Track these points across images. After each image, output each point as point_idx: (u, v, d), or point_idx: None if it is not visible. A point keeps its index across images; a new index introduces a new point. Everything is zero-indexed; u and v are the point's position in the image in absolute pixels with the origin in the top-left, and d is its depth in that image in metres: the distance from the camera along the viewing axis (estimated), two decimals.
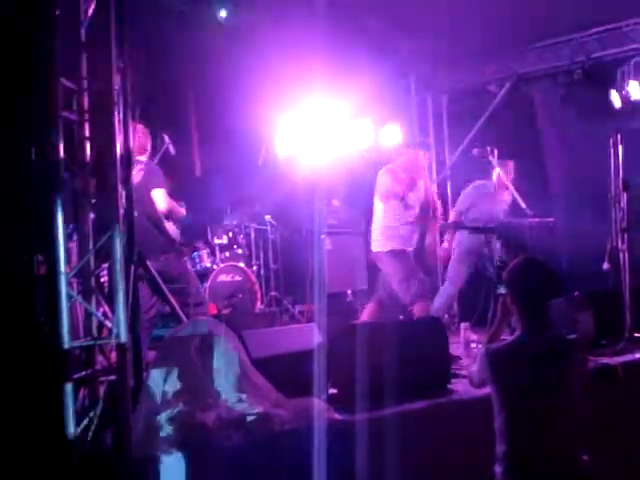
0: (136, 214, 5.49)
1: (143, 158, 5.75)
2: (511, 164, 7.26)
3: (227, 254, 8.25)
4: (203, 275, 7.80)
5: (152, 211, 5.63)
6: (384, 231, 6.52)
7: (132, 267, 3.88)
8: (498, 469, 3.31)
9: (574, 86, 8.29)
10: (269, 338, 4.63)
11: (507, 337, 3.62)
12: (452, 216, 7.70)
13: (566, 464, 3.24)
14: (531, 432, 3.21)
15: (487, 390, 3.42)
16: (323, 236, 8.44)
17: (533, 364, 3.22)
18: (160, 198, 5.62)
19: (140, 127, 5.72)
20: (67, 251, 3.41)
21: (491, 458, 3.37)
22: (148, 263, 4.30)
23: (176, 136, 6.39)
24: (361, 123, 8.91)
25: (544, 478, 3.23)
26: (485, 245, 7.02)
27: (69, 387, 3.35)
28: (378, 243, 6.56)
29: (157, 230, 5.67)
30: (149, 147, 5.88)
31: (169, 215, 5.76)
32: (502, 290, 3.57)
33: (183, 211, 6.12)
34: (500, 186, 7.27)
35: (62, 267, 3.34)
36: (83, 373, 3.61)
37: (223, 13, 7.05)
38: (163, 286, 4.74)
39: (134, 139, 5.60)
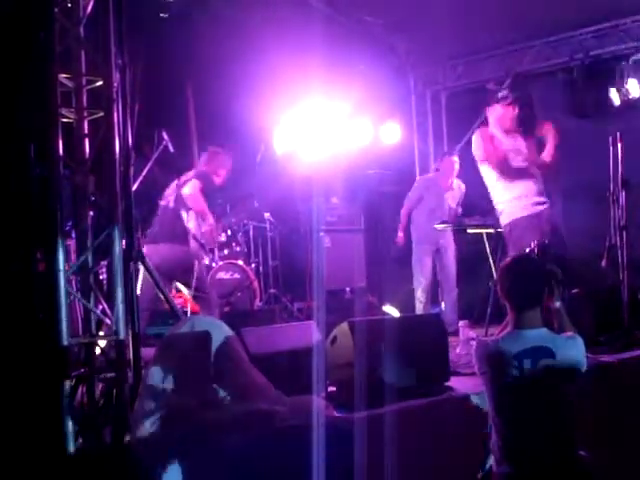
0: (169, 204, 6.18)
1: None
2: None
3: (226, 252, 8.24)
4: None
5: (177, 201, 6.16)
6: None
7: (131, 264, 3.87)
8: (493, 460, 3.35)
9: (573, 83, 8.29)
10: (268, 336, 4.62)
11: None
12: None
13: (560, 459, 3.25)
14: (518, 426, 3.24)
15: None
16: (322, 233, 8.44)
17: (518, 360, 3.24)
18: (189, 185, 6.11)
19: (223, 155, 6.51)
20: (66, 248, 3.41)
21: (490, 454, 3.39)
22: (147, 260, 4.29)
23: (175, 133, 6.38)
24: (360, 121, 8.91)
25: (536, 471, 3.25)
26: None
27: (68, 384, 3.35)
28: None
29: (170, 218, 6.16)
30: (222, 172, 6.48)
31: (198, 212, 6.22)
32: None
33: (210, 219, 6.31)
34: (446, 176, 7.69)
35: (61, 264, 3.34)
36: (82, 370, 3.61)
37: None
38: (161, 283, 4.74)
39: (215, 164, 6.41)
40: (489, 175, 6.03)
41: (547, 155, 6.02)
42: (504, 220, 5.99)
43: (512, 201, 5.97)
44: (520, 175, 5.92)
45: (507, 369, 3.25)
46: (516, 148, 5.95)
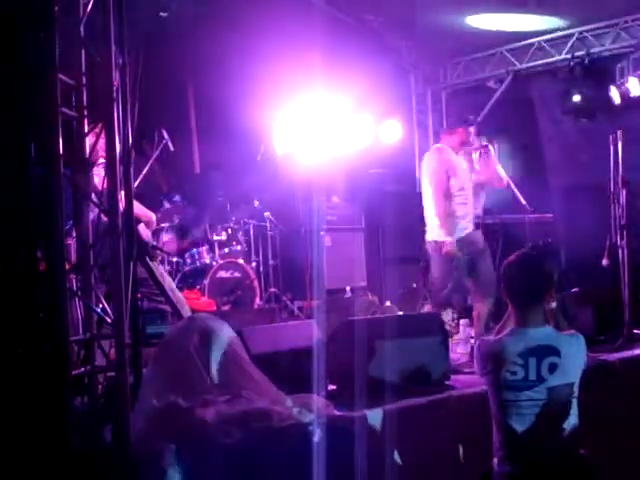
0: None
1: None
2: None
3: (226, 250, 8.23)
4: (202, 271, 7.79)
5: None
6: None
7: (131, 263, 3.87)
8: (495, 459, 3.34)
9: (573, 82, 8.28)
10: (268, 334, 4.63)
11: None
12: None
13: (561, 457, 3.25)
14: (522, 424, 3.24)
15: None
16: (322, 233, 8.44)
17: (523, 358, 3.24)
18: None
19: None
20: (66, 247, 3.41)
21: (491, 453, 3.39)
22: (148, 260, 4.29)
23: (175, 132, 6.38)
24: (361, 119, 8.91)
25: (537, 469, 3.24)
26: None
27: (68, 383, 3.35)
28: None
29: None
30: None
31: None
32: None
33: (152, 216, 6.07)
34: None
35: (62, 263, 3.34)
36: (82, 369, 3.61)
37: None
38: (163, 283, 4.75)
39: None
40: (429, 191, 5.97)
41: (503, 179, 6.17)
42: (433, 237, 5.91)
43: (449, 219, 5.82)
44: (464, 196, 5.93)
45: (511, 368, 3.24)
46: (467, 168, 6.01)
